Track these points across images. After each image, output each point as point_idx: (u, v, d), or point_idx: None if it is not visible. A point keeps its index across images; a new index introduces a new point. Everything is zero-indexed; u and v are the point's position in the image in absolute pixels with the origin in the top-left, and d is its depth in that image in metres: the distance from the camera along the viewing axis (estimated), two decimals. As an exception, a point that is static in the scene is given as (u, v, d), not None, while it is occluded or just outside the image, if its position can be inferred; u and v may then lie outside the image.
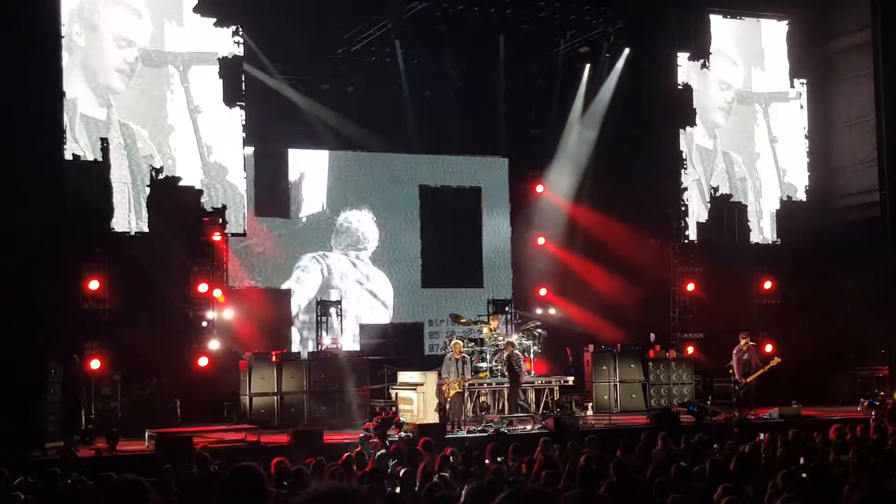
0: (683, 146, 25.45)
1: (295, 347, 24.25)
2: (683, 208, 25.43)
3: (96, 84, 21.72)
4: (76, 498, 11.04)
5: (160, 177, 21.55)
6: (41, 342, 17.59)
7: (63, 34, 20.21)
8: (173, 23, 22.34)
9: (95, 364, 19.78)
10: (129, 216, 21.44)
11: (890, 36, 24.62)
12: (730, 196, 26.06)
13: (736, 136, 26.53)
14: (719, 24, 26.19)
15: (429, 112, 25.96)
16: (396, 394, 20.61)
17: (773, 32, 26.75)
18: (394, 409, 19.65)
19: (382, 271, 26.55)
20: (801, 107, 26.78)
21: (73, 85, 21.14)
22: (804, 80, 26.76)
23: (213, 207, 22.08)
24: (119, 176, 21.42)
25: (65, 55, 20.64)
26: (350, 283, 26.08)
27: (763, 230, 26.46)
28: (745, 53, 26.58)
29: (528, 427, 19.61)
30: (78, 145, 20.89)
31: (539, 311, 26.84)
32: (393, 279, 26.64)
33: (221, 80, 22.08)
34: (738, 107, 26.62)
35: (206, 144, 22.71)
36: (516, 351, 20.33)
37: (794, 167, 26.79)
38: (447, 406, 19.80)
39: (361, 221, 26.41)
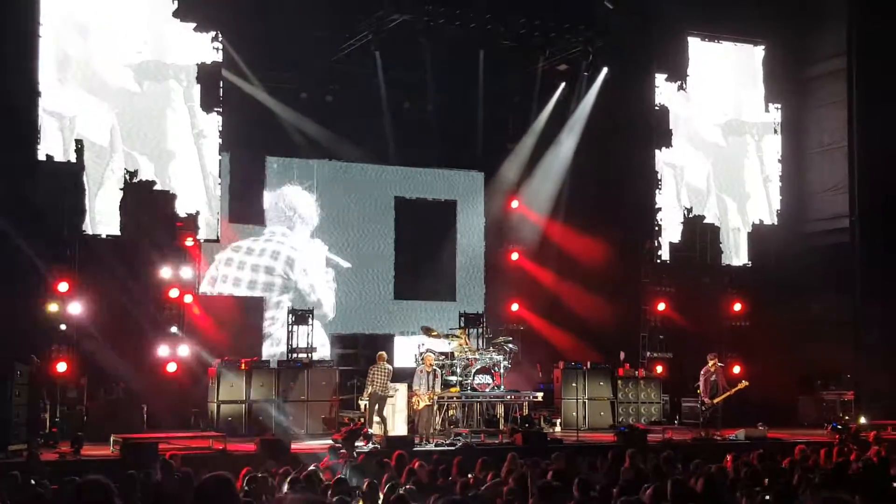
0: (659, 166, 25.62)
1: (265, 355, 24.13)
2: (657, 228, 25.57)
3: (103, 89, 21.15)
4: (39, 502, 10.94)
5: (134, 180, 21.44)
6: (6, 343, 17.42)
7: (41, 35, 20.03)
8: (175, 26, 21.93)
9: (62, 367, 19.60)
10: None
11: (864, 63, 24.90)
12: (703, 217, 26.23)
13: (727, 175, 26.67)
14: (704, 47, 26.44)
15: (406, 124, 25.99)
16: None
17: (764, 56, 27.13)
18: (362, 420, 19.61)
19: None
20: (775, 131, 27.05)
21: (70, 99, 20.73)
22: (779, 105, 27.03)
23: (186, 213, 21.99)
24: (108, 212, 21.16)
25: (56, 71, 20.39)
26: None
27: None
28: (735, 78, 26.81)
29: (497, 440, 19.63)
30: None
31: (510, 326, 26.87)
32: (357, 284, 26.54)
33: (199, 86, 22.01)
34: (729, 139, 26.82)
35: (212, 174, 22.33)
36: (384, 364, 19.97)
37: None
38: (416, 418, 19.82)
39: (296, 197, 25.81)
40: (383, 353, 20.49)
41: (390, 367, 20.19)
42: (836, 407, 23.92)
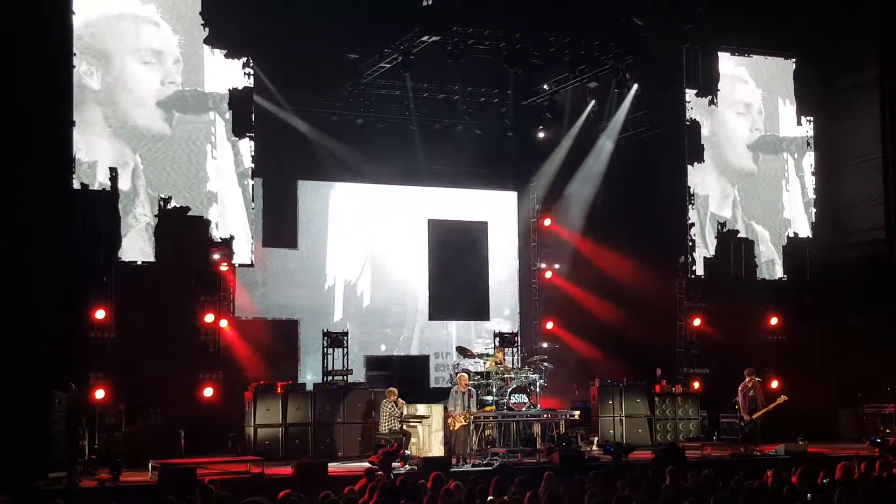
0: (691, 182, 25.46)
1: (301, 378, 24.17)
2: (690, 244, 25.44)
3: (128, 131, 20.54)
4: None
5: (168, 206, 21.58)
6: (46, 371, 17.54)
7: (75, 65, 20.10)
8: (215, 52, 21.73)
9: (100, 394, 19.75)
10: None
11: (897, 74, 24.73)
12: (737, 232, 26.06)
13: (760, 200, 26.25)
14: (735, 61, 26.25)
15: (438, 145, 26.10)
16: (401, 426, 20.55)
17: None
18: (398, 442, 19.60)
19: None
20: (808, 144, 26.86)
21: (92, 142, 20.20)
22: (811, 118, 26.85)
23: (220, 238, 22.10)
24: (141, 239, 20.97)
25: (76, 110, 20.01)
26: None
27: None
28: (767, 92, 26.54)
29: (534, 460, 19.55)
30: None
31: (545, 344, 26.81)
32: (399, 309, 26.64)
33: (231, 112, 22.13)
34: (763, 157, 26.50)
35: (246, 199, 21.85)
36: (391, 401, 19.91)
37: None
38: (452, 439, 19.78)
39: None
40: (394, 389, 20.32)
41: (398, 405, 19.97)
42: (877, 420, 23.65)
